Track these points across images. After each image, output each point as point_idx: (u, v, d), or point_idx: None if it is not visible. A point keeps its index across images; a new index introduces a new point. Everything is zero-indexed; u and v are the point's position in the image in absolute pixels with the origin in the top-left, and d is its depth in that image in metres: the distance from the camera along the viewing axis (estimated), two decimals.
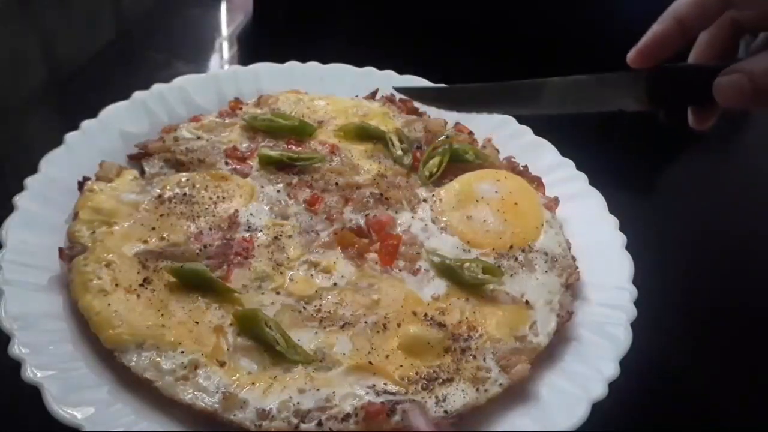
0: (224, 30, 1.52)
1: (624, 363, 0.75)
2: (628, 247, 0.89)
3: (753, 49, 0.65)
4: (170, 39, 1.44)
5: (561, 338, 0.80)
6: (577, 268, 0.87)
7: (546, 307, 0.82)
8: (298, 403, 0.69)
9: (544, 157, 1.03)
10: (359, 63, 1.17)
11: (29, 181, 0.86)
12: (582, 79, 0.68)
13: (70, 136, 0.94)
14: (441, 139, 1.02)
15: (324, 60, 1.17)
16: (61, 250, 0.81)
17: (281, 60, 1.16)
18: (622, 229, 0.91)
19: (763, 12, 0.62)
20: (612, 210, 0.94)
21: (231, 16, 1.55)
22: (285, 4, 1.55)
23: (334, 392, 0.70)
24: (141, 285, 0.78)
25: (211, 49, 1.48)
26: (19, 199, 0.84)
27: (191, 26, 1.52)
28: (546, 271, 0.86)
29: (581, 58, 0.72)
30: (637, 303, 0.82)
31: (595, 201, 0.96)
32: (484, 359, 0.75)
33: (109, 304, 0.74)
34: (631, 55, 0.65)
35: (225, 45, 1.48)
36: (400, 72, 1.15)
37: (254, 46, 1.46)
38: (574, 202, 0.96)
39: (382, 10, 1.49)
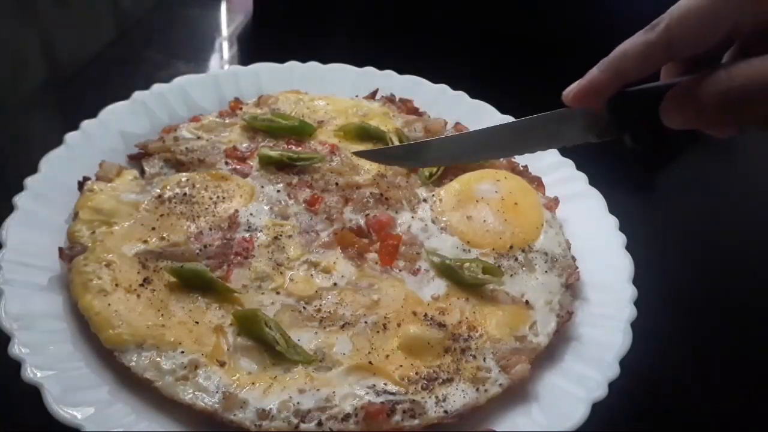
0: (224, 30, 1.52)
1: (624, 363, 0.75)
2: (628, 247, 0.89)
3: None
4: (170, 39, 1.44)
5: (561, 338, 0.80)
6: (577, 268, 0.87)
7: (546, 307, 0.82)
8: (298, 403, 0.69)
9: (544, 157, 1.03)
10: (359, 63, 1.17)
11: (29, 181, 0.86)
12: (542, 119, 0.66)
13: (70, 136, 0.94)
14: None
15: (324, 60, 1.17)
16: (61, 250, 0.81)
17: (281, 60, 1.15)
18: (622, 229, 0.91)
19: (708, 49, 0.60)
20: (612, 210, 0.94)
21: (231, 16, 1.55)
22: (285, 4, 1.55)
23: (334, 392, 0.70)
24: (141, 285, 0.78)
25: (211, 49, 1.48)
26: (19, 199, 0.84)
27: (191, 26, 1.52)
28: (546, 271, 0.86)
29: (578, 56, 0.71)
30: (637, 303, 0.82)
31: (595, 201, 0.96)
32: (484, 359, 0.76)
33: (109, 304, 0.74)
34: (567, 95, 0.63)
35: (225, 45, 1.47)
36: (400, 72, 1.15)
37: (254, 46, 1.46)
38: (574, 202, 0.96)
39: (382, 10, 1.49)
